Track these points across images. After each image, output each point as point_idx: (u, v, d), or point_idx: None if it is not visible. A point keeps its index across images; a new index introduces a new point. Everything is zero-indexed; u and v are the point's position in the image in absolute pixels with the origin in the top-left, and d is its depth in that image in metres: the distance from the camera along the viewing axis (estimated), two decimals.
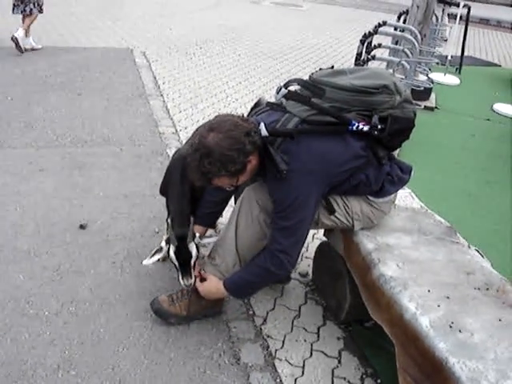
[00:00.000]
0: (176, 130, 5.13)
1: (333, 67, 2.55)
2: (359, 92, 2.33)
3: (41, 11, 7.34)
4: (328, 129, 2.30)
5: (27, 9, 7.17)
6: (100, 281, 3.00)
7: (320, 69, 2.55)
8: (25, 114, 5.20)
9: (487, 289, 2.26)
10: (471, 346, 1.94)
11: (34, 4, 7.18)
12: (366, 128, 2.32)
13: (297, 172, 2.24)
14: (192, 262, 2.60)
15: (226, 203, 2.91)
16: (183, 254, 2.59)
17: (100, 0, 10.77)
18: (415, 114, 2.48)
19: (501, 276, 2.40)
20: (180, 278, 2.60)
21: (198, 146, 2.16)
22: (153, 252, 2.70)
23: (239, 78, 7.22)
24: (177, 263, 2.60)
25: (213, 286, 2.57)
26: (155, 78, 6.79)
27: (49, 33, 8.00)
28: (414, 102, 2.53)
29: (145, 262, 2.67)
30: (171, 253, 2.60)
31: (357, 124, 2.31)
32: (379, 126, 2.34)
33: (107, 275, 3.05)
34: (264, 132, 2.25)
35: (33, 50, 7.47)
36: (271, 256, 2.38)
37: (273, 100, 2.51)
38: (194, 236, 2.67)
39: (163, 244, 2.67)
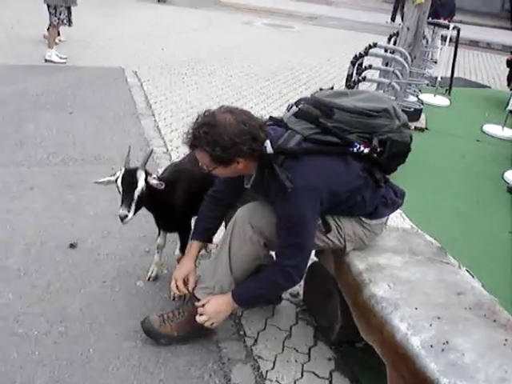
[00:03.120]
0: (167, 150, 5.13)
1: (332, 88, 2.58)
2: (362, 114, 2.39)
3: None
4: (331, 149, 2.34)
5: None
6: (90, 300, 2.98)
7: (320, 89, 2.59)
8: (16, 133, 5.19)
9: (478, 309, 2.27)
10: (462, 366, 1.95)
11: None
12: (366, 150, 2.37)
13: (302, 189, 2.26)
14: (135, 195, 2.56)
15: (223, 219, 2.89)
16: (128, 180, 2.58)
17: (92, 19, 10.82)
18: (411, 139, 2.52)
19: (491, 296, 2.41)
20: (119, 205, 2.57)
21: (210, 115, 2.24)
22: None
23: (231, 98, 7.25)
24: (121, 189, 2.58)
25: (220, 303, 2.52)
26: (147, 97, 6.81)
27: (41, 51, 8.01)
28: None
29: (96, 181, 2.66)
30: (119, 179, 2.59)
31: (358, 146, 2.35)
32: (378, 149, 2.39)
33: (97, 295, 3.03)
34: (269, 149, 2.27)
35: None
36: (282, 272, 2.39)
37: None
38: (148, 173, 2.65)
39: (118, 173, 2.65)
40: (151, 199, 2.71)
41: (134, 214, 2.63)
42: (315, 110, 2.38)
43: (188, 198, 2.86)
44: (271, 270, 2.45)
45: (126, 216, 2.56)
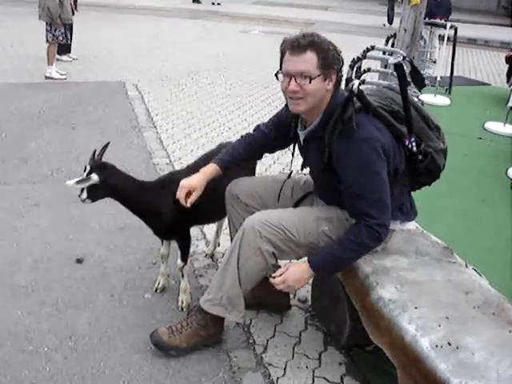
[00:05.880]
0: (170, 161, 5.15)
1: None
2: (424, 118, 2.56)
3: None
4: (394, 128, 2.43)
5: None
6: (98, 314, 2.99)
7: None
8: (19, 150, 5.22)
9: (486, 307, 2.27)
10: (472, 365, 1.94)
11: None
12: (415, 149, 2.46)
13: (365, 138, 2.31)
14: (87, 183, 2.66)
15: (244, 159, 2.88)
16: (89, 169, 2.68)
17: (90, 34, 10.88)
18: (444, 167, 2.65)
19: (499, 294, 2.40)
20: None
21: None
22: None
23: (231, 107, 7.27)
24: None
25: (300, 271, 2.48)
26: (148, 109, 6.83)
27: (41, 69, 8.05)
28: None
29: (68, 182, 2.65)
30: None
31: (414, 139, 2.45)
32: (420, 157, 2.49)
33: (105, 308, 3.04)
34: (355, 87, 2.33)
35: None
36: (370, 232, 2.37)
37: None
38: None
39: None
40: (123, 197, 2.81)
41: (94, 200, 2.75)
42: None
43: (181, 208, 2.85)
44: (358, 230, 2.39)
45: (83, 200, 2.71)
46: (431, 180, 2.72)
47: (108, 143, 2.92)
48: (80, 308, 3.03)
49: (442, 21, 9.42)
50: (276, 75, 2.39)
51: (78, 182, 2.63)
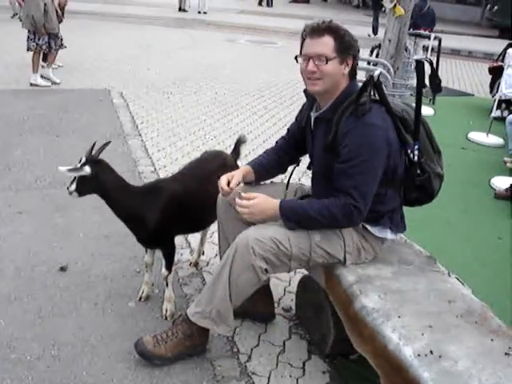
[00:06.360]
0: (155, 169, 5.14)
1: None
2: (429, 137, 2.70)
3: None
4: (400, 133, 2.53)
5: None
6: (82, 323, 2.97)
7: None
8: (3, 157, 5.18)
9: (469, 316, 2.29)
10: (455, 374, 1.96)
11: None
12: (416, 158, 2.54)
13: (375, 127, 2.41)
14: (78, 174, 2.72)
15: (273, 168, 2.96)
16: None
17: (76, 42, 10.84)
18: (436, 194, 2.74)
19: (482, 303, 2.42)
20: None
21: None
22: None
23: (217, 115, 7.28)
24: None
25: (267, 205, 2.55)
26: (133, 117, 6.82)
27: (26, 76, 8.02)
28: None
29: (60, 168, 2.72)
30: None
31: (417, 147, 2.54)
32: (418, 171, 2.57)
33: (89, 317, 3.02)
34: (376, 75, 2.52)
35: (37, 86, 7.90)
36: (345, 208, 2.42)
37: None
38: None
39: None
40: (109, 196, 2.83)
41: (81, 194, 2.80)
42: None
43: (165, 217, 2.89)
44: (334, 202, 2.45)
45: (71, 192, 2.77)
46: (423, 199, 2.76)
47: (109, 142, 2.99)
48: (63, 316, 3.01)
49: (427, 32, 9.51)
50: (296, 58, 2.59)
51: (69, 170, 2.69)
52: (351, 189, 2.40)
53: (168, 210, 2.91)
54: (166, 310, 3.05)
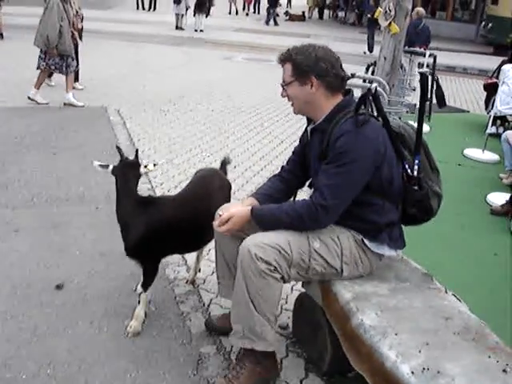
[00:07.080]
0: (152, 186, 5.15)
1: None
2: (428, 156, 2.77)
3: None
4: (397, 145, 2.62)
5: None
6: (78, 341, 2.95)
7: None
8: None
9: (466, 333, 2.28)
10: None
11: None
12: (416, 173, 2.61)
13: (367, 138, 2.46)
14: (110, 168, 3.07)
15: (280, 196, 2.90)
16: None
17: None
18: (432, 214, 2.80)
19: (479, 320, 2.42)
20: None
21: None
22: None
23: (213, 132, 7.30)
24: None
25: (240, 210, 2.65)
26: (130, 135, 6.84)
27: (23, 93, 8.04)
28: None
29: (95, 162, 3.08)
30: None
31: (418, 162, 2.62)
32: (416, 187, 2.62)
33: (85, 335, 3.01)
34: (373, 88, 2.64)
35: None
36: (310, 208, 2.47)
37: None
38: None
39: None
40: (117, 192, 3.05)
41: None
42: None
43: (150, 234, 2.92)
44: (304, 202, 2.53)
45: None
46: (420, 218, 2.78)
47: (137, 150, 3.33)
48: (59, 335, 3.00)
49: (422, 49, 9.57)
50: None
51: (100, 166, 3.06)
52: (324, 187, 2.46)
53: (154, 228, 2.94)
54: (130, 327, 3.03)
